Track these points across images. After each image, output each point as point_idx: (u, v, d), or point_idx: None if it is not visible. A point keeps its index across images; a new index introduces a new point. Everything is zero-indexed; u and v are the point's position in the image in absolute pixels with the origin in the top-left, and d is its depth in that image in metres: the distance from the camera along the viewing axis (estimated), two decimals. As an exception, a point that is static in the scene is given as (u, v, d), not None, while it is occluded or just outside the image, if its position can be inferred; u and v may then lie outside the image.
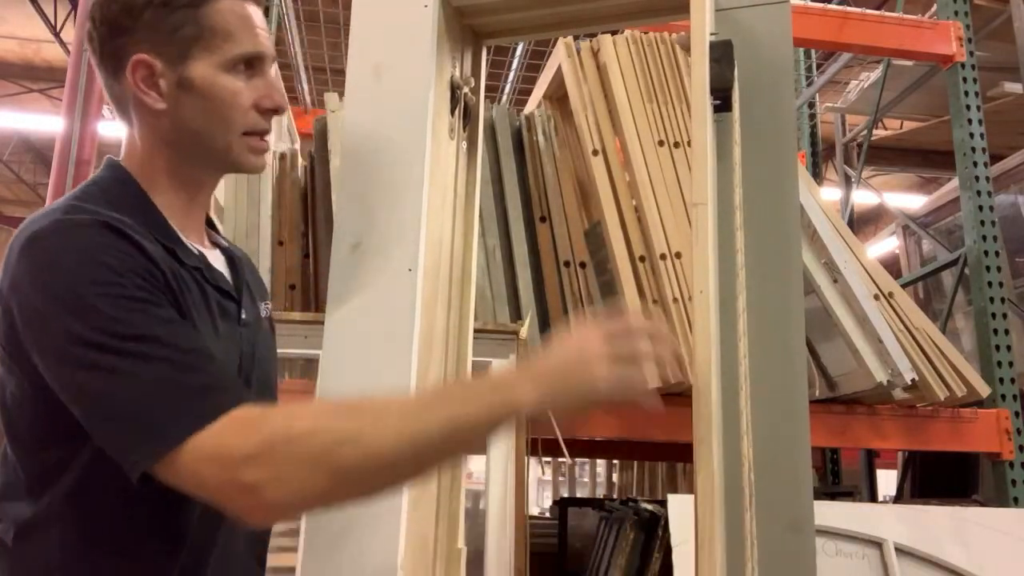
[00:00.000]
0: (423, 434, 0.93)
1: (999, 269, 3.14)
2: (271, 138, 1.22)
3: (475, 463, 1.79)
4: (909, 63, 4.41)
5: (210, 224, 1.26)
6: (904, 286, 3.80)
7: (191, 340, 0.99)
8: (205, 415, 0.92)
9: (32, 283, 0.98)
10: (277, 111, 1.15)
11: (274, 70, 1.20)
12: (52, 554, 1.01)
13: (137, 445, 0.93)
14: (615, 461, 5.84)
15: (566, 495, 6.81)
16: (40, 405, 1.01)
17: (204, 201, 1.22)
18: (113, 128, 9.09)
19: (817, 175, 5.11)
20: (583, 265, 2.72)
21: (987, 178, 3.22)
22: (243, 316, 1.17)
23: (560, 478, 8.06)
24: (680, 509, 2.34)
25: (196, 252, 1.15)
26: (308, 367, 2.48)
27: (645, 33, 2.94)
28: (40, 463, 1.03)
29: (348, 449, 0.91)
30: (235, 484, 0.90)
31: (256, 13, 1.16)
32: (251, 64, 1.14)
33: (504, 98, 5.89)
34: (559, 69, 2.96)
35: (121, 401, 0.94)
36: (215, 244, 1.24)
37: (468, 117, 1.48)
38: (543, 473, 8.70)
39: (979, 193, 3.20)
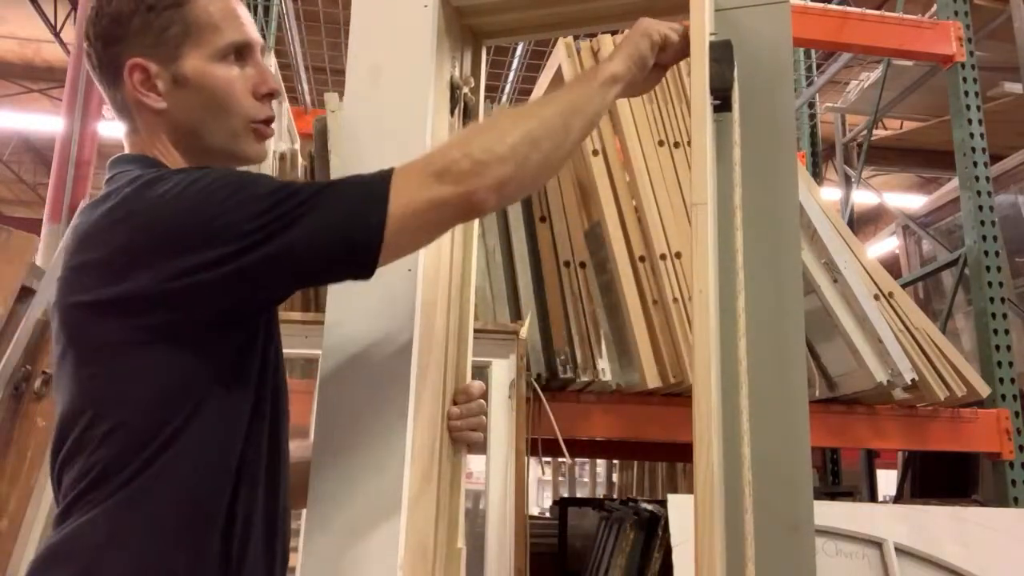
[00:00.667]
0: (560, 112, 1.13)
1: (999, 269, 3.14)
2: (274, 125, 1.24)
3: (475, 463, 1.80)
4: (909, 63, 4.42)
5: None
6: (904, 286, 3.80)
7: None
8: (387, 173, 1.05)
9: (161, 217, 1.01)
10: (272, 95, 1.19)
11: (273, 63, 1.21)
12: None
13: (363, 226, 1.01)
14: (615, 461, 5.85)
15: (566, 495, 6.82)
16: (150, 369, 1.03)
17: None
18: (113, 128, 9.12)
19: (817, 175, 5.11)
20: (583, 265, 2.72)
21: (987, 178, 3.23)
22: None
23: (560, 478, 8.07)
24: (680, 509, 2.34)
25: None
26: (308, 367, 2.48)
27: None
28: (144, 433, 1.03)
29: (533, 136, 1.09)
30: (456, 177, 1.03)
31: (238, 5, 1.19)
32: (241, 53, 1.17)
33: (504, 98, 5.89)
34: (559, 69, 2.96)
35: (326, 218, 1.01)
36: None
37: (468, 117, 1.48)
38: (543, 473, 8.71)
39: (979, 193, 3.20)
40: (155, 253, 1.00)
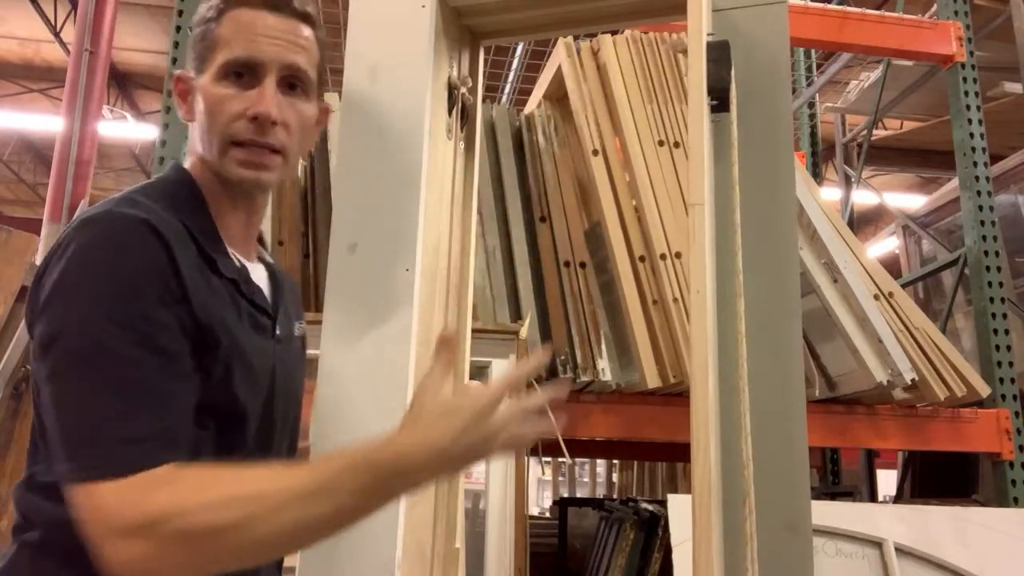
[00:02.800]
0: (310, 520, 0.91)
1: (999, 269, 3.14)
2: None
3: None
4: (909, 63, 4.41)
5: (260, 242, 1.28)
6: (904, 286, 3.80)
7: (163, 377, 0.98)
8: (133, 463, 0.92)
9: (65, 269, 1.00)
10: (256, 118, 1.11)
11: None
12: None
13: (67, 459, 0.95)
14: (615, 461, 5.85)
15: (566, 495, 6.81)
16: None
17: (255, 212, 1.22)
18: (113, 128, 9.12)
19: (817, 175, 5.11)
20: (583, 265, 2.72)
21: (987, 178, 3.22)
22: (277, 332, 1.18)
23: (560, 478, 8.07)
24: (680, 509, 2.34)
25: (238, 265, 1.15)
26: (308, 367, 2.48)
27: (645, 33, 2.94)
28: None
29: (231, 536, 0.90)
30: (114, 552, 0.89)
31: (270, 20, 1.14)
32: (247, 71, 1.13)
33: (504, 98, 5.89)
34: (559, 69, 2.96)
35: (75, 406, 0.95)
36: (261, 259, 1.25)
37: (466, 117, 1.48)
38: (543, 473, 8.71)
39: (979, 193, 3.20)
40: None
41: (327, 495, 0.91)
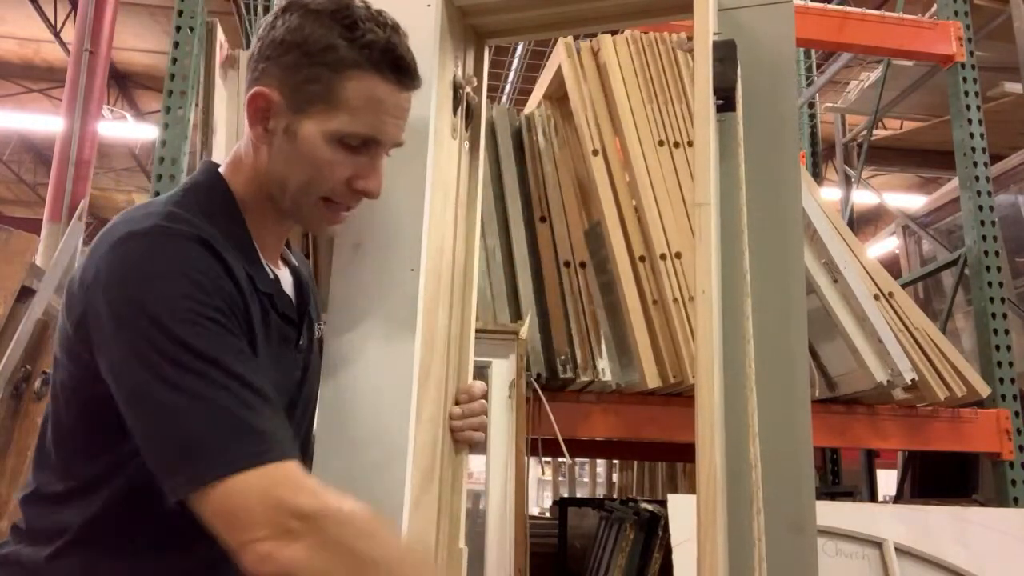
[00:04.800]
0: None
1: (999, 269, 3.14)
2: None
3: (475, 463, 1.80)
4: (909, 63, 4.41)
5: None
6: (904, 286, 3.80)
7: (257, 378, 0.99)
8: (257, 456, 0.92)
9: (120, 282, 0.99)
10: (367, 194, 1.14)
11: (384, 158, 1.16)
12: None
13: (183, 469, 0.93)
14: (615, 461, 5.84)
15: (566, 495, 6.81)
16: (88, 407, 1.04)
17: (290, 226, 1.23)
18: (113, 128, 9.11)
19: (817, 175, 5.11)
20: (583, 265, 2.72)
21: (987, 178, 3.22)
22: (300, 342, 1.20)
23: (560, 478, 8.07)
24: (680, 509, 2.34)
25: (272, 276, 1.16)
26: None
27: (645, 33, 2.94)
28: (82, 472, 1.05)
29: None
30: (281, 528, 0.89)
31: (398, 98, 1.13)
32: (363, 145, 1.12)
33: (504, 98, 5.89)
34: (559, 69, 2.96)
35: (177, 419, 0.94)
36: (286, 262, 1.26)
37: (470, 117, 1.48)
38: (543, 473, 8.70)
39: (979, 193, 3.20)
40: (98, 327, 1.01)
41: None
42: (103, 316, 0.98)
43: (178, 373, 0.94)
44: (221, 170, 1.18)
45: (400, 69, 1.11)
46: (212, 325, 0.98)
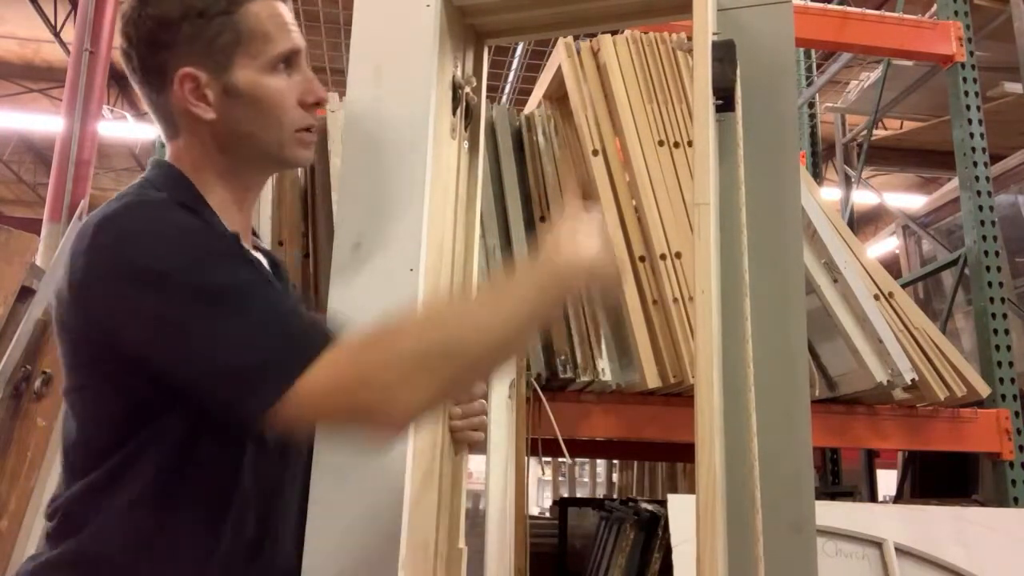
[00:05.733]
0: (503, 337, 1.01)
1: (999, 269, 3.14)
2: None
3: (475, 463, 1.80)
4: (909, 63, 4.42)
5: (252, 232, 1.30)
6: (904, 286, 3.80)
7: (276, 291, 1.05)
8: (312, 348, 0.96)
9: (116, 259, 1.01)
10: (320, 104, 1.19)
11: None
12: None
13: (253, 390, 0.95)
14: (615, 461, 5.85)
15: (566, 495, 6.81)
16: (109, 398, 1.05)
17: (251, 204, 1.26)
18: (113, 128, 9.11)
19: (817, 175, 5.11)
20: (583, 265, 2.72)
21: (987, 178, 3.23)
22: None
23: (560, 478, 8.07)
24: (680, 509, 2.34)
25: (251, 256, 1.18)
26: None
27: (645, 33, 2.94)
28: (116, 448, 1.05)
29: (452, 359, 0.97)
30: (361, 406, 0.94)
31: (284, 9, 1.18)
32: (289, 62, 1.16)
33: (504, 98, 5.89)
34: (559, 69, 2.96)
35: (227, 350, 0.97)
36: (258, 248, 1.28)
37: (470, 117, 1.48)
38: (543, 473, 8.70)
39: (979, 193, 3.20)
40: (99, 295, 1.02)
41: (500, 315, 1.01)
42: (110, 300, 1.00)
43: (210, 310, 0.97)
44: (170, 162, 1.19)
45: None
46: (219, 258, 1.02)
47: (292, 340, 0.98)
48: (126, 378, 1.03)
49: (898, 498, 4.30)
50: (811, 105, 5.18)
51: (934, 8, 3.76)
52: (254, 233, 1.30)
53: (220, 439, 1.07)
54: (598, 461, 6.83)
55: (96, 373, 1.07)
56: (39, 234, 3.97)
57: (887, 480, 6.12)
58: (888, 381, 2.51)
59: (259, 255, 1.24)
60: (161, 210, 1.05)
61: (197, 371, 0.98)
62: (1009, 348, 3.01)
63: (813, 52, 5.22)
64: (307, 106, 1.18)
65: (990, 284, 3.11)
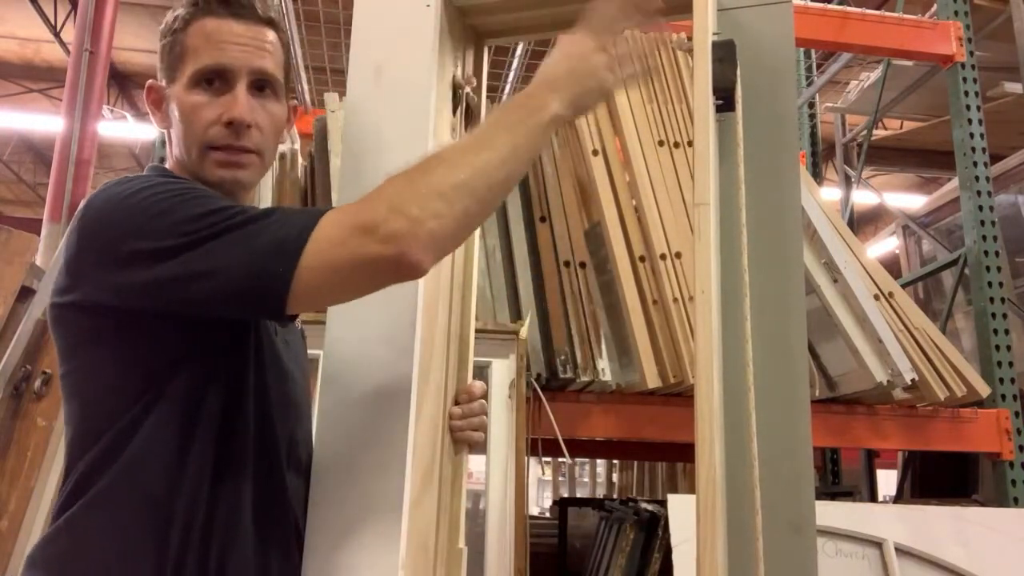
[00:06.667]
0: (501, 159, 1.03)
1: (999, 269, 3.14)
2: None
3: (475, 463, 1.80)
4: (909, 63, 4.42)
5: None
6: (904, 286, 3.80)
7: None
8: (315, 216, 0.99)
9: (106, 219, 1.04)
10: (231, 123, 1.16)
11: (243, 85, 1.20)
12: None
13: (268, 272, 0.97)
14: (615, 461, 5.85)
15: (566, 495, 6.82)
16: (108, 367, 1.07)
17: None
18: (113, 128, 9.11)
19: (817, 175, 5.11)
20: (583, 265, 2.72)
21: (987, 178, 3.23)
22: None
23: (560, 478, 8.08)
24: (680, 509, 2.34)
25: None
26: (309, 367, 2.48)
27: (645, 33, 2.94)
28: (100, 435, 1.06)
29: (465, 189, 1.00)
30: (386, 236, 0.95)
31: (235, 27, 1.19)
32: (218, 78, 1.17)
33: (504, 98, 5.88)
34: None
35: (232, 246, 0.98)
36: None
37: (470, 117, 1.48)
38: (543, 473, 8.72)
39: (979, 193, 3.21)
40: (91, 261, 1.05)
41: (500, 141, 1.05)
42: (110, 250, 1.02)
43: (203, 233, 0.99)
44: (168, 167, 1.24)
45: (227, 3, 1.19)
46: (202, 195, 1.05)
47: (292, 215, 1.00)
48: (125, 349, 1.05)
49: (898, 498, 4.30)
50: (811, 105, 5.18)
51: (934, 8, 3.76)
52: None
53: (224, 398, 1.09)
54: (598, 461, 6.83)
55: (93, 350, 1.09)
56: (39, 234, 3.98)
57: (887, 480, 6.13)
58: (888, 381, 2.51)
59: None
60: (144, 179, 1.10)
61: (209, 285, 0.98)
62: (1009, 348, 3.01)
63: (813, 52, 5.21)
64: (225, 124, 1.16)
65: (990, 284, 3.11)
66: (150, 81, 1.22)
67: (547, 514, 5.49)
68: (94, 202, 1.08)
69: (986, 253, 3.15)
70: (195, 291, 0.98)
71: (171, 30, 1.19)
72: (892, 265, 4.86)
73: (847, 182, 5.29)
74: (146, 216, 1.01)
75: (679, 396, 2.55)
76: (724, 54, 1.17)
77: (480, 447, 1.87)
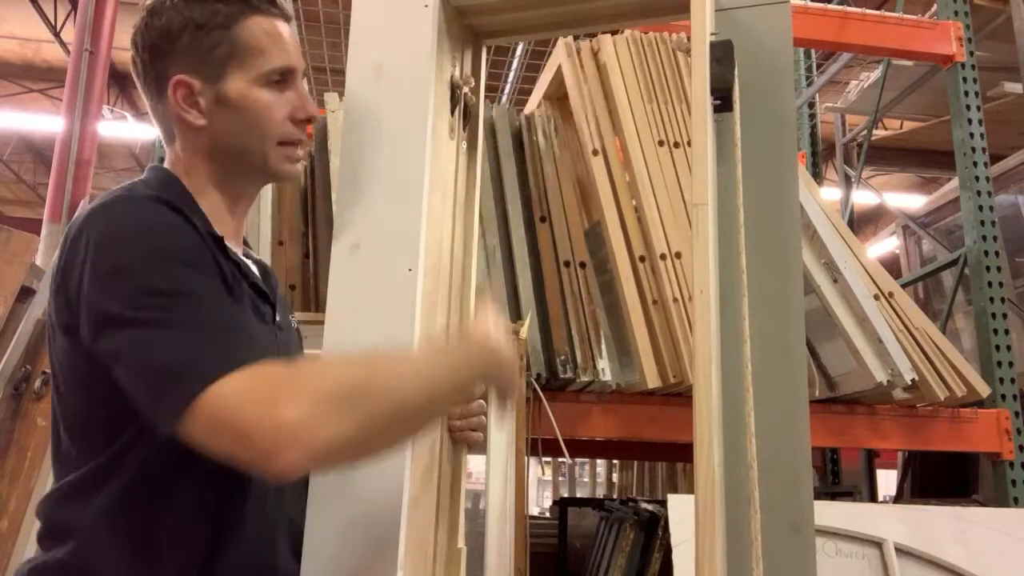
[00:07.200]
0: (424, 393, 1.00)
1: (999, 269, 3.14)
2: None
3: (475, 463, 1.80)
4: (909, 63, 4.42)
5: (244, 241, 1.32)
6: (904, 286, 3.80)
7: (228, 305, 1.05)
8: (236, 360, 0.93)
9: (85, 256, 1.03)
10: (309, 120, 1.22)
11: (304, 82, 1.24)
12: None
13: (167, 391, 0.94)
14: (615, 461, 5.85)
15: (566, 495, 6.81)
16: (93, 390, 1.05)
17: (243, 213, 1.28)
18: (113, 128, 9.12)
19: (817, 175, 5.11)
20: (583, 265, 2.72)
21: (987, 178, 3.23)
22: (277, 318, 1.23)
23: (560, 478, 8.07)
24: (680, 509, 2.34)
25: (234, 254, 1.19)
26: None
27: (645, 33, 2.94)
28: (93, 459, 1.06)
29: (373, 399, 0.95)
30: (273, 421, 0.88)
31: (285, 28, 1.21)
32: (283, 78, 1.19)
33: (504, 98, 5.89)
34: (559, 69, 2.96)
35: (155, 351, 0.96)
36: (248, 256, 1.28)
37: (468, 117, 1.48)
38: (543, 473, 8.71)
39: (979, 193, 3.21)
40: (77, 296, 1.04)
41: (426, 376, 1.02)
42: (84, 283, 1.02)
43: (149, 312, 0.97)
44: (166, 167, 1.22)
45: (273, 2, 1.20)
46: (179, 266, 1.02)
47: (219, 346, 0.96)
48: (101, 377, 1.03)
49: (898, 498, 4.30)
50: (811, 105, 5.18)
51: (934, 8, 3.76)
52: (246, 243, 1.31)
53: None
54: (598, 461, 6.83)
55: (76, 370, 1.08)
56: (39, 234, 3.98)
57: (887, 480, 6.13)
58: (888, 381, 2.51)
59: (249, 262, 1.24)
60: (139, 207, 1.08)
61: (128, 367, 0.98)
62: (1009, 348, 3.01)
63: (813, 52, 5.22)
64: (296, 122, 1.20)
65: (990, 284, 3.11)
66: (181, 77, 1.16)
67: (547, 514, 5.48)
68: (85, 227, 1.06)
69: (986, 253, 3.15)
70: (119, 367, 0.99)
71: (207, 25, 1.16)
72: (892, 265, 4.86)
73: (847, 182, 5.29)
74: (120, 272, 1.00)
75: (679, 396, 2.55)
76: (722, 54, 1.17)
77: (480, 447, 1.87)
